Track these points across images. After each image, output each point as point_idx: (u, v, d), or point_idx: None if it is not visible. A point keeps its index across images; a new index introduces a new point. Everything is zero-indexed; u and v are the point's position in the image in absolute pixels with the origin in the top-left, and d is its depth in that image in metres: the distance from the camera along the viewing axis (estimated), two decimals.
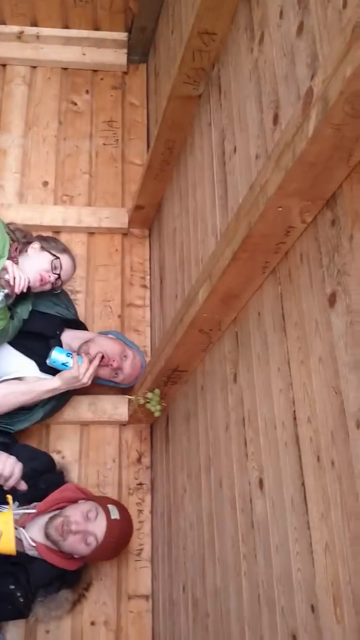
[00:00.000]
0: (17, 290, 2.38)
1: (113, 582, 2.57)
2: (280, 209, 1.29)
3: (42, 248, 2.59)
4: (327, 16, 1.28)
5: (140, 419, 2.66)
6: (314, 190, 1.22)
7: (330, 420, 1.18)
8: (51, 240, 2.72)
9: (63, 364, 2.49)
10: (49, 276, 2.54)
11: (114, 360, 2.58)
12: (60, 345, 2.65)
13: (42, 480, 2.41)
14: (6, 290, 2.36)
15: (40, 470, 2.42)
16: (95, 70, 3.50)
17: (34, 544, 2.29)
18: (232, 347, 1.78)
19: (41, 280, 2.52)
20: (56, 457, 2.64)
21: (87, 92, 3.46)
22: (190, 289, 1.93)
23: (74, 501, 2.38)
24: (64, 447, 2.74)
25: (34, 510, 2.36)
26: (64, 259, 2.61)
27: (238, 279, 1.57)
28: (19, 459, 2.25)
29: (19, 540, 2.27)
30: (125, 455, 2.80)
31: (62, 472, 2.58)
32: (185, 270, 2.38)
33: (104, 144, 3.36)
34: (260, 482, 1.51)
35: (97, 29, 3.45)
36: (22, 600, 2.24)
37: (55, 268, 2.56)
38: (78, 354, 2.53)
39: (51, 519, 2.29)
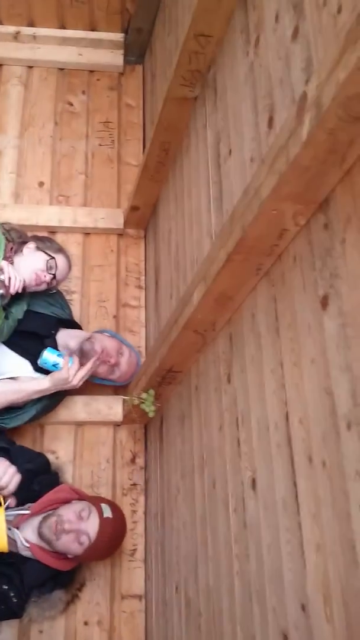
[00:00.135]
0: (12, 290, 2.39)
1: (106, 582, 2.58)
2: (274, 212, 1.30)
3: (38, 248, 2.60)
4: (322, 21, 1.29)
5: (134, 419, 2.67)
6: (307, 193, 1.23)
7: (322, 421, 1.19)
8: (46, 240, 2.73)
9: (53, 365, 2.49)
10: (45, 276, 2.55)
11: (111, 357, 2.60)
12: (55, 345, 2.66)
13: (37, 482, 2.42)
14: (1, 291, 2.37)
15: (35, 471, 2.43)
16: (91, 71, 3.51)
17: (27, 545, 2.30)
18: (226, 348, 1.79)
19: (36, 280, 2.52)
20: (50, 458, 2.64)
21: (83, 92, 3.47)
22: (185, 290, 1.94)
23: (68, 502, 2.39)
24: (58, 447, 2.75)
25: (28, 511, 2.37)
26: (59, 259, 2.62)
27: (232, 281, 1.58)
28: (16, 460, 2.25)
29: (12, 541, 2.28)
30: (119, 455, 2.81)
31: (57, 473, 2.58)
32: (180, 271, 2.39)
33: (100, 145, 3.37)
34: (253, 482, 1.52)
35: (93, 29, 3.46)
36: (15, 600, 2.25)
37: (51, 268, 2.57)
38: (70, 355, 2.53)
39: (44, 518, 2.30)
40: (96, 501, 2.37)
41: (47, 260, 2.57)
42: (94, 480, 2.74)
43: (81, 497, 2.46)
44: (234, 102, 1.86)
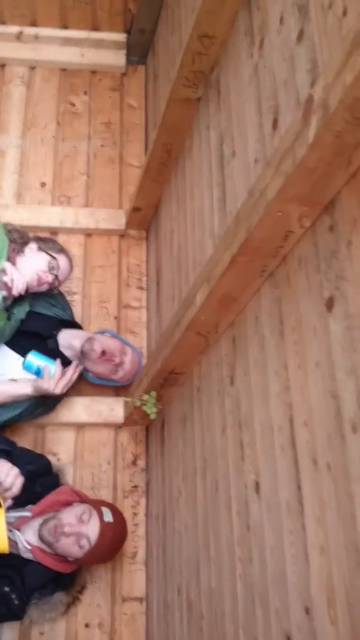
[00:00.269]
0: (15, 292, 2.39)
1: (107, 585, 2.57)
2: (279, 213, 1.29)
3: (39, 248, 2.60)
4: (328, 23, 1.29)
5: (135, 421, 2.66)
6: (313, 195, 1.23)
7: (327, 424, 1.19)
8: (48, 240, 2.73)
9: (37, 370, 2.46)
10: (46, 276, 2.55)
11: (115, 356, 2.60)
12: (56, 346, 2.66)
13: (38, 484, 2.41)
14: (4, 293, 2.37)
15: (37, 473, 2.42)
16: (93, 72, 3.51)
17: (29, 547, 2.29)
18: (229, 350, 1.79)
19: (38, 280, 2.53)
20: (51, 459, 2.63)
21: (85, 93, 3.47)
22: (188, 292, 1.94)
23: (69, 504, 2.39)
24: (59, 448, 2.75)
25: (29, 513, 2.37)
26: (61, 260, 2.62)
27: (236, 282, 1.57)
28: (18, 461, 2.25)
29: (14, 543, 2.27)
30: (120, 457, 2.80)
31: (58, 475, 2.58)
32: (183, 272, 2.38)
33: (102, 146, 3.36)
34: (257, 485, 1.52)
35: (96, 29, 3.45)
36: (16, 602, 2.24)
37: (53, 268, 2.57)
38: (73, 357, 2.52)
39: (45, 521, 2.29)
40: (97, 504, 2.37)
41: (49, 261, 2.57)
42: (94, 482, 2.73)
43: (82, 499, 2.46)
44: (238, 103, 1.85)
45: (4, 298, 2.40)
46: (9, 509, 2.24)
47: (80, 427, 2.79)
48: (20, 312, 2.57)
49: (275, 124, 1.54)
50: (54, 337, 2.70)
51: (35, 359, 2.48)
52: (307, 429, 1.27)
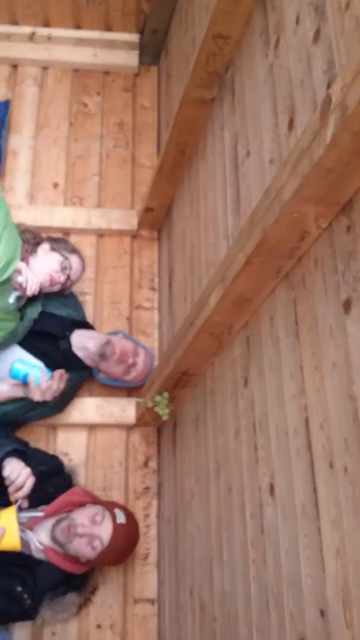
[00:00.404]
0: (29, 292, 2.40)
1: (119, 586, 2.57)
2: (295, 214, 1.29)
3: (52, 249, 2.60)
4: (345, 23, 1.28)
5: (147, 422, 2.66)
6: (330, 196, 1.22)
7: (344, 427, 1.18)
8: (60, 241, 2.74)
9: (24, 377, 2.43)
10: (59, 277, 2.56)
11: (129, 357, 2.60)
12: (68, 347, 2.66)
13: (51, 484, 2.41)
14: (18, 293, 2.37)
15: (49, 473, 2.42)
16: (106, 72, 3.50)
17: (41, 547, 2.29)
18: (243, 351, 1.78)
19: (51, 280, 2.53)
20: (63, 460, 2.63)
21: (98, 93, 3.46)
22: (201, 292, 1.93)
23: (81, 505, 2.38)
24: (71, 449, 2.74)
25: (41, 514, 2.37)
26: (74, 260, 2.62)
27: (251, 283, 1.57)
28: (30, 462, 2.25)
29: (26, 543, 2.27)
30: (132, 458, 2.79)
31: (70, 475, 2.58)
32: (195, 273, 2.38)
33: (114, 146, 3.36)
34: (271, 487, 1.51)
35: (109, 30, 3.44)
36: (29, 602, 2.24)
37: (65, 269, 2.57)
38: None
39: (58, 521, 2.29)
40: (110, 506, 2.36)
41: (61, 261, 2.57)
42: (106, 483, 2.72)
43: (94, 500, 2.46)
44: (253, 103, 1.85)
45: (19, 298, 2.40)
46: (21, 509, 2.24)
47: (92, 427, 2.79)
48: (33, 312, 2.57)
49: (291, 124, 1.54)
50: (66, 338, 2.70)
51: (22, 366, 2.43)
52: (324, 431, 1.26)
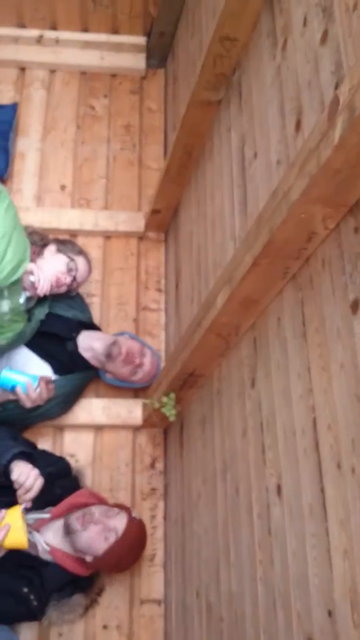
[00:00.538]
0: (40, 292, 2.42)
1: (126, 587, 2.57)
2: (303, 215, 1.29)
3: (58, 250, 2.61)
4: (353, 25, 1.29)
5: (154, 423, 2.66)
6: (337, 197, 1.23)
7: (352, 427, 1.18)
8: (67, 242, 2.75)
9: (12, 388, 2.42)
10: (65, 278, 2.57)
11: (135, 358, 2.61)
12: (74, 348, 2.66)
13: (58, 486, 2.42)
14: (29, 293, 2.39)
15: (57, 475, 2.42)
16: (113, 75, 3.51)
17: (48, 548, 2.30)
18: (250, 352, 1.78)
19: (57, 282, 2.55)
20: (70, 461, 2.64)
21: (105, 96, 3.47)
22: (208, 293, 1.93)
23: (88, 506, 2.39)
24: (78, 450, 2.75)
25: (48, 515, 2.37)
26: (80, 261, 2.63)
27: (258, 284, 1.57)
28: (38, 464, 2.25)
29: (33, 544, 2.28)
30: (138, 459, 2.80)
31: (78, 477, 2.58)
32: (202, 274, 2.38)
33: (121, 148, 3.37)
34: (278, 488, 1.51)
35: (116, 33, 3.45)
36: (35, 603, 2.25)
37: (71, 270, 2.59)
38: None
39: (71, 513, 2.30)
40: (121, 506, 2.40)
41: (67, 262, 2.58)
42: (112, 484, 2.73)
43: (101, 502, 2.46)
44: (260, 105, 1.85)
45: (29, 299, 2.43)
46: (27, 510, 2.24)
47: (98, 429, 2.80)
48: (40, 313, 2.59)
49: (298, 125, 1.54)
50: (73, 339, 2.71)
51: (10, 375, 2.41)
52: (331, 432, 1.26)
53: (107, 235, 3.15)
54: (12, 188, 3.15)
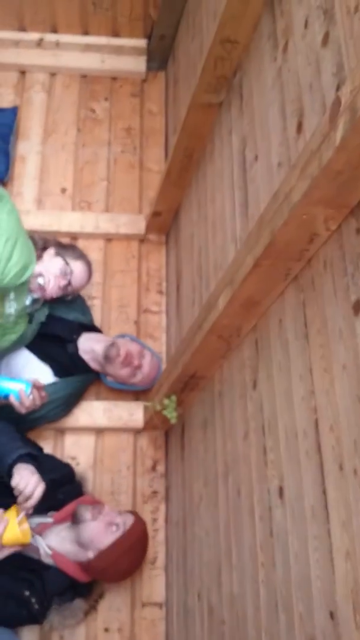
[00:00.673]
0: (48, 295, 2.44)
1: (127, 590, 2.56)
2: (304, 216, 1.29)
3: (56, 254, 2.61)
4: (354, 27, 1.29)
5: (156, 425, 2.66)
6: (339, 198, 1.23)
7: (354, 429, 1.18)
8: (69, 247, 2.74)
9: (5, 396, 2.42)
10: (59, 281, 2.57)
11: (134, 359, 2.60)
12: (75, 350, 2.66)
13: (61, 492, 2.41)
14: (36, 295, 2.42)
15: (60, 481, 2.41)
16: (114, 78, 3.52)
17: (50, 552, 2.29)
18: (252, 354, 1.78)
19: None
20: (71, 464, 2.64)
21: (105, 99, 3.48)
22: (210, 295, 1.94)
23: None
24: (79, 453, 2.74)
25: (50, 520, 2.37)
26: (76, 266, 2.62)
27: (259, 286, 1.57)
28: (42, 468, 2.24)
29: (35, 548, 2.28)
30: (140, 462, 2.80)
31: (81, 483, 2.57)
32: (203, 276, 2.38)
33: (122, 151, 3.37)
34: (280, 490, 1.51)
35: (116, 36, 3.46)
36: (37, 606, 2.25)
37: (65, 274, 2.58)
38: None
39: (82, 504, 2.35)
40: (129, 511, 2.46)
41: (62, 266, 2.58)
42: (114, 487, 2.73)
43: None
44: (261, 107, 1.85)
45: (35, 301, 2.45)
46: (29, 515, 2.23)
47: (99, 431, 2.80)
48: (41, 315, 2.59)
49: (299, 127, 1.54)
50: (74, 342, 2.71)
51: (1, 382, 2.41)
52: (333, 434, 1.26)
53: (108, 238, 3.16)
54: (13, 191, 3.15)
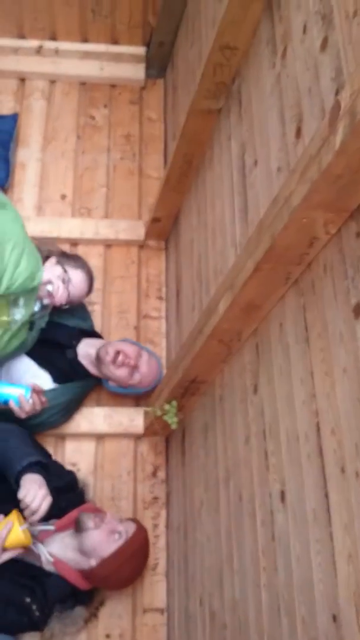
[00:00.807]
0: (58, 302, 2.46)
1: (128, 596, 2.56)
2: (304, 220, 1.29)
3: (57, 262, 2.62)
4: (352, 32, 1.30)
5: (156, 431, 2.65)
6: (339, 202, 1.23)
7: (356, 432, 1.18)
8: (71, 256, 2.74)
9: (5, 402, 2.42)
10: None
11: (130, 359, 2.59)
12: (74, 356, 2.67)
13: (63, 499, 2.40)
14: (47, 301, 2.43)
15: (63, 489, 2.40)
16: (113, 85, 3.54)
17: (51, 559, 2.29)
18: (252, 358, 1.79)
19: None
20: (72, 470, 2.63)
21: (105, 106, 3.49)
22: (210, 300, 1.94)
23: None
24: (80, 459, 2.74)
25: (52, 527, 2.36)
26: (74, 275, 2.61)
27: (260, 290, 1.57)
28: (49, 475, 2.23)
29: (37, 555, 2.28)
30: (140, 468, 2.79)
31: (83, 491, 2.56)
32: (203, 282, 2.39)
33: (122, 158, 3.39)
34: (282, 494, 1.51)
35: (115, 43, 3.48)
36: (37, 613, 2.24)
37: (63, 282, 2.58)
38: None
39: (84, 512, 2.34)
40: (130, 519, 2.46)
41: (59, 274, 2.58)
42: (114, 493, 2.72)
43: None
44: (260, 113, 1.86)
45: (44, 308, 2.46)
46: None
47: (100, 437, 2.79)
48: (41, 321, 2.59)
49: (298, 132, 1.55)
50: (73, 347, 2.71)
51: (1, 388, 2.41)
52: (335, 437, 1.26)
53: (108, 244, 3.16)
54: (13, 198, 3.16)
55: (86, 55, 3.48)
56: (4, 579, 2.21)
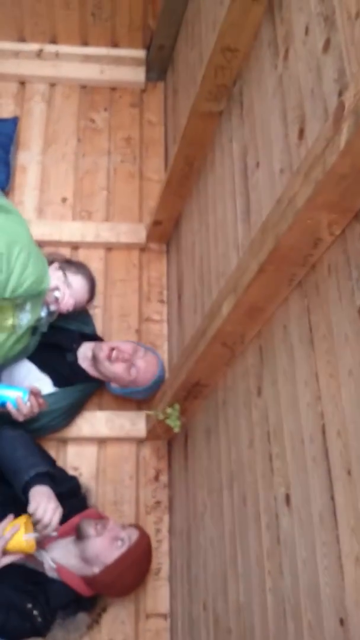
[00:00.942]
0: (64, 308, 2.47)
1: (131, 601, 2.54)
2: (309, 221, 1.29)
3: (59, 267, 2.61)
4: (355, 32, 1.29)
5: (158, 434, 2.64)
6: (343, 202, 1.22)
7: None
8: (73, 263, 2.74)
9: (2, 404, 2.41)
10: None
11: (125, 353, 2.58)
12: (75, 359, 2.66)
13: (66, 505, 2.39)
14: (54, 307, 2.43)
15: (67, 496, 2.38)
16: (113, 88, 3.53)
17: (54, 565, 2.28)
18: (256, 360, 1.78)
19: (48, 298, 2.54)
20: (74, 474, 2.62)
21: (105, 109, 3.49)
22: (213, 302, 1.93)
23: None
24: (81, 463, 2.73)
25: (55, 533, 2.35)
26: (74, 280, 2.62)
27: (264, 292, 1.56)
28: (55, 482, 2.23)
29: (39, 562, 2.26)
30: (142, 472, 2.78)
31: (86, 496, 2.55)
32: (205, 284, 2.38)
33: (122, 161, 3.38)
34: (287, 497, 1.50)
35: (115, 46, 3.47)
36: (40, 620, 2.23)
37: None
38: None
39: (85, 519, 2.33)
40: (132, 525, 2.45)
41: (60, 278, 2.58)
42: (116, 497, 2.71)
43: None
44: (262, 114, 1.86)
45: (51, 313, 2.46)
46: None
47: (102, 441, 2.78)
48: (43, 325, 2.58)
49: (301, 133, 1.54)
50: (73, 351, 2.70)
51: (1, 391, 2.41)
52: (341, 439, 1.25)
53: (109, 247, 3.16)
54: (14, 201, 3.15)
55: (86, 58, 3.47)
56: (7, 585, 2.20)
